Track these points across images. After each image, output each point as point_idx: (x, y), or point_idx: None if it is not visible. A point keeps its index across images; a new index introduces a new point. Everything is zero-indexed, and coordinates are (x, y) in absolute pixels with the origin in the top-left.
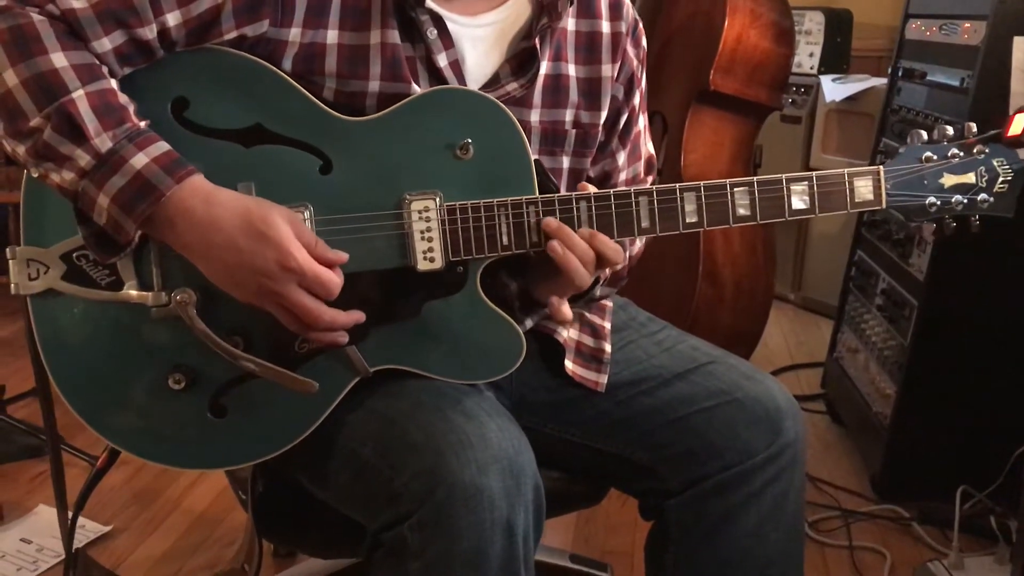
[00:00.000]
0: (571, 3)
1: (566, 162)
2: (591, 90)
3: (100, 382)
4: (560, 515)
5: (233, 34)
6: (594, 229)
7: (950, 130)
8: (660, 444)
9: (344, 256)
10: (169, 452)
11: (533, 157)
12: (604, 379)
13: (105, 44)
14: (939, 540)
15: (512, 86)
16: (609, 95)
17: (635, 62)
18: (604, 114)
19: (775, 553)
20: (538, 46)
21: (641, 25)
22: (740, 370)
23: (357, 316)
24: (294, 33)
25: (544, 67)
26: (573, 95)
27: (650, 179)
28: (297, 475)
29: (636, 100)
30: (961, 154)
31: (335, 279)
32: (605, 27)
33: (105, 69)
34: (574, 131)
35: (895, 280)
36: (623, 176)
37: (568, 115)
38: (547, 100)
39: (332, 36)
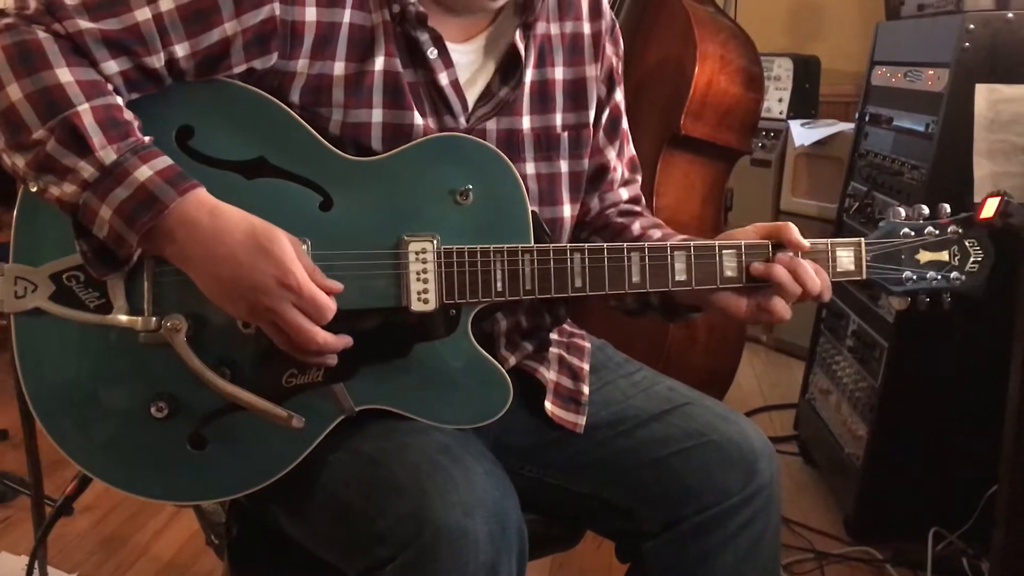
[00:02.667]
0: None
1: (564, 166)
2: (576, 91)
3: (78, 405)
4: (536, 558)
5: (243, 67)
6: (586, 280)
7: (926, 209)
8: (637, 485)
9: (339, 286)
10: (143, 482)
11: (531, 208)
12: (582, 420)
13: (112, 67)
14: None
15: (504, 91)
16: (595, 95)
17: (614, 59)
18: (592, 113)
19: None
20: (521, 48)
21: (618, 24)
22: (715, 411)
23: (346, 340)
24: (301, 64)
25: (529, 74)
26: (559, 99)
27: (638, 177)
28: (275, 515)
29: (618, 97)
30: (936, 232)
31: (330, 304)
32: (586, 28)
33: (111, 87)
34: (566, 134)
35: (865, 322)
36: (618, 174)
37: (558, 119)
38: (535, 106)
39: (339, 68)
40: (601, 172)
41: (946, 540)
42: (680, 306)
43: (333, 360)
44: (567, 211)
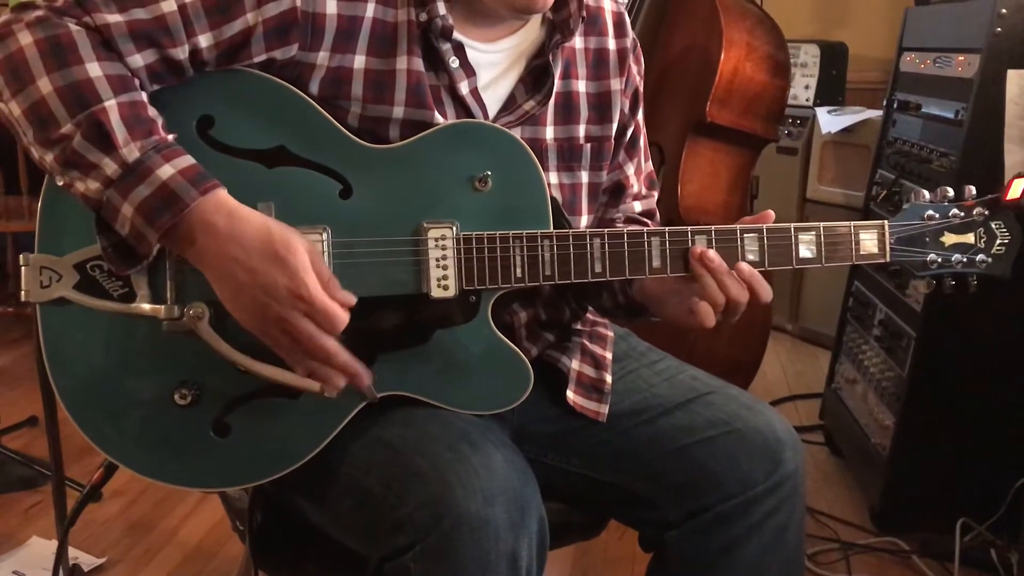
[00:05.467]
0: (582, 20)
1: (584, 177)
2: (601, 104)
3: (104, 394)
4: (559, 547)
5: (263, 57)
6: (606, 265)
7: (950, 191)
8: (660, 474)
9: (353, 299)
10: (169, 469)
11: (550, 195)
12: (605, 409)
13: (137, 60)
14: (939, 573)
15: (529, 104)
16: (619, 108)
17: (638, 78)
18: (615, 126)
19: None
20: (551, 62)
21: (639, 45)
22: (740, 400)
23: (355, 368)
24: (322, 57)
25: (555, 85)
26: (584, 110)
27: (655, 195)
28: (297, 501)
29: (640, 116)
30: (961, 215)
31: (342, 315)
32: (611, 44)
33: (136, 82)
34: (588, 145)
35: (892, 311)
36: (634, 189)
37: (581, 130)
38: (559, 117)
39: (359, 61)
40: (620, 188)
41: (974, 531)
42: (638, 306)
43: (341, 382)
44: (584, 222)
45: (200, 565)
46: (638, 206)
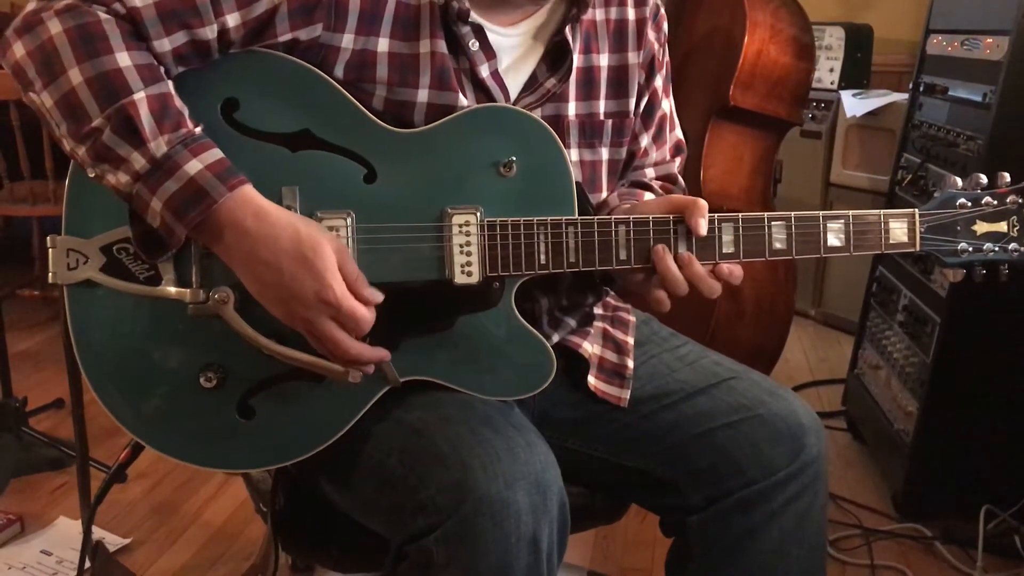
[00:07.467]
0: None
1: (605, 153)
2: (620, 78)
3: (130, 375)
4: (580, 531)
5: (287, 36)
6: (631, 253)
7: (983, 178)
8: (682, 459)
9: (380, 296)
10: (194, 450)
11: (575, 180)
12: (627, 394)
13: (165, 44)
14: (963, 560)
15: (551, 83)
16: (636, 82)
17: (655, 45)
18: (633, 101)
19: (797, 571)
20: (569, 38)
21: (663, 9)
22: (763, 386)
23: (382, 353)
24: (347, 39)
25: (575, 60)
26: (603, 86)
27: (678, 161)
28: (320, 484)
29: (658, 82)
30: (995, 202)
31: (368, 317)
32: (631, 14)
33: (162, 70)
34: (609, 121)
35: (917, 296)
36: (650, 158)
37: (601, 106)
38: (580, 93)
39: (383, 44)
40: (631, 156)
41: (998, 518)
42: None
43: (370, 370)
44: (604, 198)
45: (224, 546)
46: (651, 172)
